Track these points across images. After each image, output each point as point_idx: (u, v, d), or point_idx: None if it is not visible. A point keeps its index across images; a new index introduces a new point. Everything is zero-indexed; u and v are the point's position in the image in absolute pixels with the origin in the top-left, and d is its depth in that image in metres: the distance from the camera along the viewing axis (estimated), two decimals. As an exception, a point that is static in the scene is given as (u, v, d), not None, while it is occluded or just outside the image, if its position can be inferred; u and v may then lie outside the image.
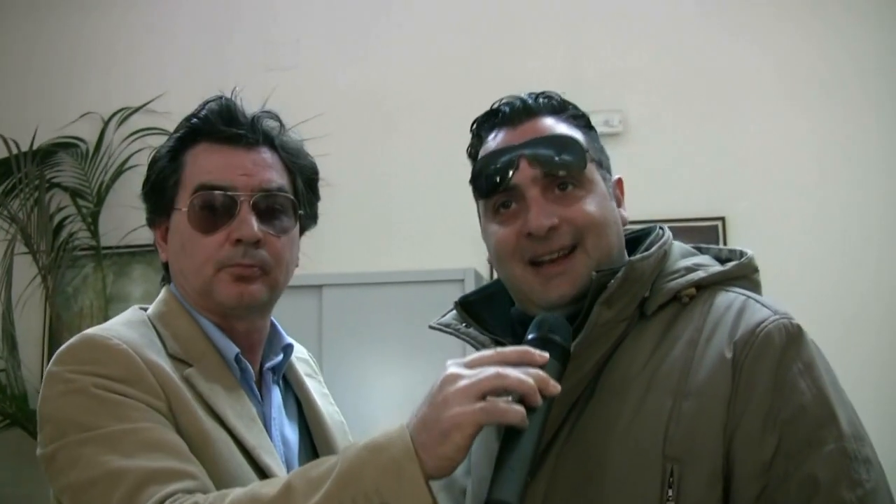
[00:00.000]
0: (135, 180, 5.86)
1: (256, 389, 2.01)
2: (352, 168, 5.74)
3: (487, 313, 1.97)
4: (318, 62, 6.08)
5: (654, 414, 1.64)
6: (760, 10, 5.57)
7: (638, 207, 5.47)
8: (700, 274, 1.79)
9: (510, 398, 1.44)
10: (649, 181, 5.59)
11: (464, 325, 1.97)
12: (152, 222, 2.05)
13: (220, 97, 2.07)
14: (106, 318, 5.76)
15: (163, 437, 1.73)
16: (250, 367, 1.99)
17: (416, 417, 1.47)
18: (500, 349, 1.52)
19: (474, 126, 1.96)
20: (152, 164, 2.04)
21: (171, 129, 5.75)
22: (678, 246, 1.90)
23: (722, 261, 1.87)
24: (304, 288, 5.09)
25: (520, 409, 1.43)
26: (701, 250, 1.93)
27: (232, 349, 1.96)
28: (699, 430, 1.60)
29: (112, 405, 1.73)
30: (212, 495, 1.60)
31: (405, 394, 5.03)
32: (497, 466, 1.46)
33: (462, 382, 1.43)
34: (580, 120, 1.91)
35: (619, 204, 1.91)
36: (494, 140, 1.87)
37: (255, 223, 1.92)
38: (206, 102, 2.05)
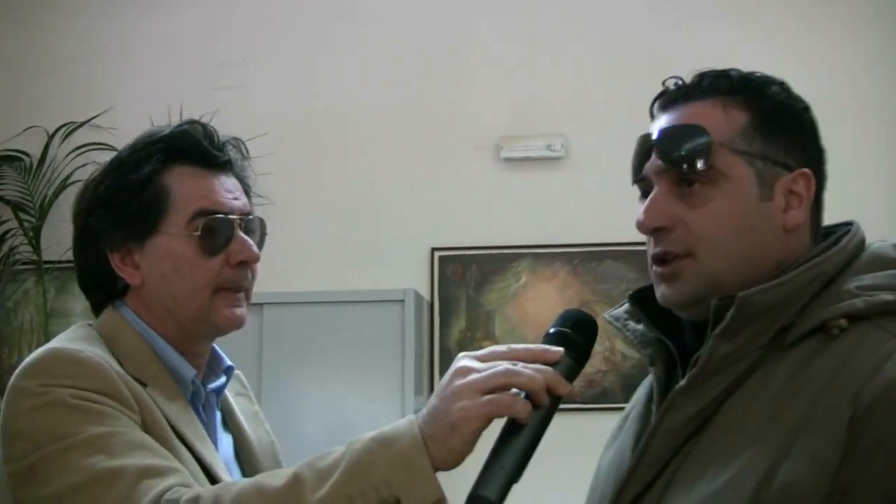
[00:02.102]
0: (78, 195, 5.87)
1: (202, 411, 2.00)
2: (295, 187, 5.72)
3: (660, 310, 1.71)
4: (264, 82, 6.08)
5: (748, 471, 1.43)
6: (706, 40, 5.67)
7: (579, 231, 5.59)
8: (857, 303, 1.48)
9: (520, 393, 1.43)
10: (591, 205, 5.65)
11: (633, 320, 1.77)
12: (113, 245, 1.95)
13: (193, 120, 2.04)
14: (47, 334, 5.77)
15: (145, 438, 1.71)
16: (202, 389, 1.99)
17: (425, 409, 1.47)
18: (513, 346, 1.49)
19: (650, 107, 1.74)
20: (118, 189, 1.95)
21: (117, 144, 5.74)
22: (872, 252, 1.59)
23: None
24: (245, 306, 5.05)
25: (527, 403, 1.43)
26: None
27: (189, 371, 1.94)
28: (796, 497, 1.37)
29: (90, 413, 1.69)
30: (215, 487, 1.59)
31: (345, 413, 5.05)
32: (488, 461, 1.44)
33: (472, 376, 1.43)
34: (758, 101, 1.63)
35: (799, 204, 1.61)
36: (653, 123, 1.69)
37: (254, 245, 1.95)
38: (181, 125, 2.01)
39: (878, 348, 1.42)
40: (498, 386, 1.42)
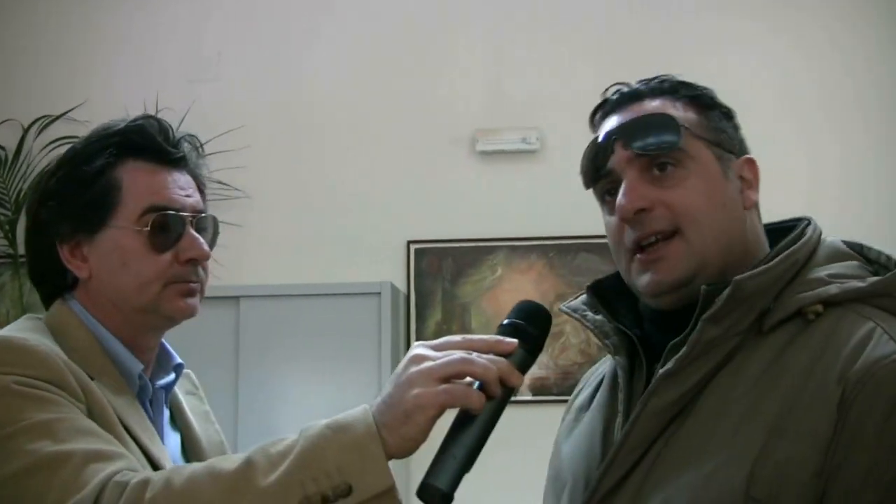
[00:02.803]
0: (54, 189, 5.85)
1: (149, 407, 1.99)
2: (271, 180, 5.76)
3: (620, 300, 1.81)
4: (239, 75, 6.08)
5: (744, 448, 1.48)
6: (681, 36, 5.66)
7: (554, 224, 5.61)
8: (831, 289, 1.57)
9: (474, 383, 1.44)
10: (566, 198, 5.64)
11: (592, 311, 1.84)
12: (63, 237, 1.95)
13: (148, 115, 2.04)
14: (23, 327, 5.73)
15: (91, 425, 1.69)
16: (149, 385, 1.98)
17: (379, 397, 1.47)
18: (468, 336, 1.50)
19: (590, 119, 1.83)
20: (68, 179, 1.97)
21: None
22: (828, 246, 1.68)
23: (879, 269, 1.65)
24: (221, 299, 5.04)
25: (480, 394, 1.43)
26: (863, 250, 1.69)
27: (137, 365, 1.94)
28: (790, 474, 1.44)
29: (36, 400, 1.67)
30: (164, 471, 1.56)
31: (322, 406, 5.05)
32: (440, 451, 1.45)
33: (427, 364, 1.44)
34: (696, 100, 1.73)
35: (750, 186, 1.72)
36: (600, 129, 1.76)
37: (204, 243, 1.96)
38: (136, 119, 2.01)
39: (857, 330, 1.51)
40: (452, 374, 1.43)
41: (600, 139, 1.72)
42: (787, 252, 1.62)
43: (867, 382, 1.44)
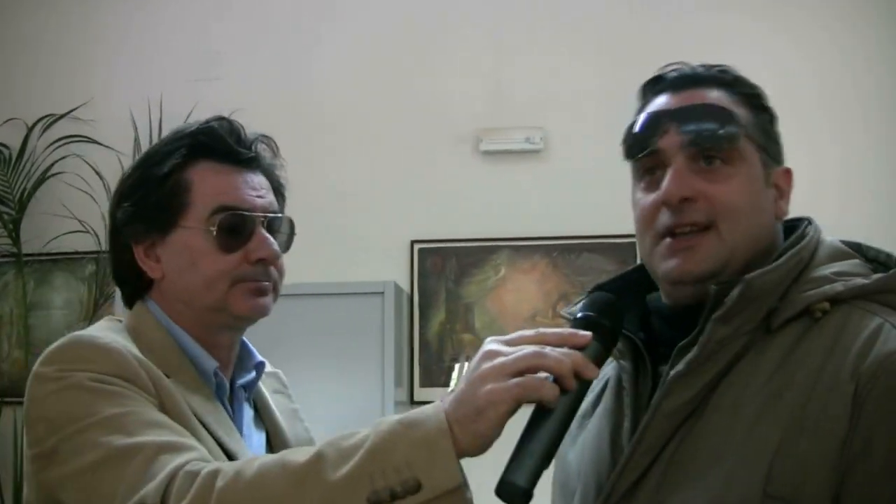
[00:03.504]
0: (58, 187, 5.85)
1: (228, 405, 2.02)
2: (275, 179, 5.70)
3: (622, 303, 1.75)
4: (242, 74, 6.07)
5: (760, 446, 1.49)
6: (682, 35, 5.68)
7: (558, 223, 5.61)
8: (837, 287, 1.59)
9: (548, 377, 1.43)
10: (570, 198, 5.66)
11: None
12: (137, 238, 2.00)
13: (220, 117, 2.07)
14: (26, 326, 5.77)
15: (163, 418, 1.73)
16: (226, 383, 2.01)
17: (453, 393, 1.46)
18: (541, 329, 1.50)
19: (640, 90, 1.81)
20: (142, 181, 2.01)
21: (96, 136, 5.71)
22: (828, 245, 1.70)
23: (878, 266, 1.68)
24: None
25: (554, 387, 1.43)
26: (861, 249, 1.72)
27: (211, 363, 1.97)
28: (807, 470, 1.45)
29: (108, 395, 1.72)
30: (236, 462, 1.60)
31: (325, 405, 5.04)
32: (517, 448, 1.45)
33: (499, 359, 1.43)
34: (752, 99, 1.73)
35: (783, 197, 1.73)
36: (653, 104, 1.73)
37: (274, 243, 1.97)
38: (208, 121, 2.04)
39: (866, 326, 1.53)
40: (525, 368, 1.42)
41: (653, 117, 1.70)
42: (792, 251, 1.63)
43: (880, 376, 1.45)
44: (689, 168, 1.63)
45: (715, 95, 1.70)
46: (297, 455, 1.50)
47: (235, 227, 1.95)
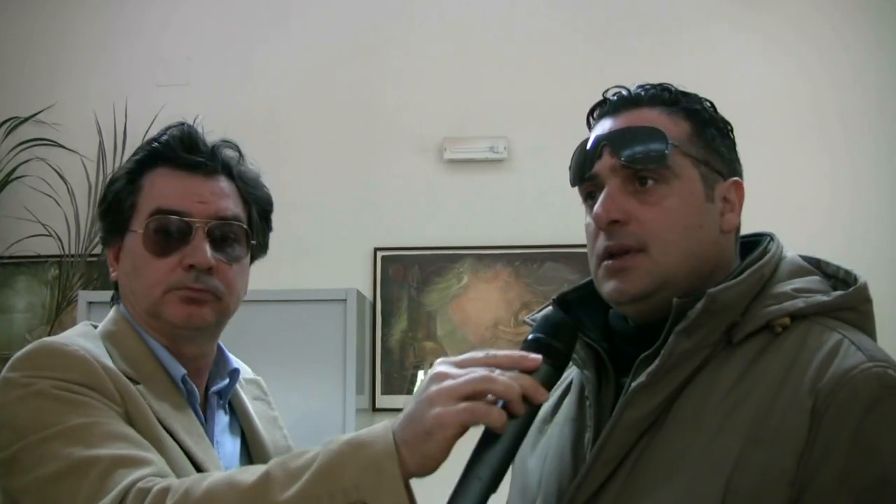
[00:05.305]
0: (22, 191, 5.82)
1: (201, 412, 2.02)
2: (240, 185, 5.69)
3: (585, 313, 1.80)
4: (208, 80, 6.07)
5: (720, 458, 1.50)
6: (651, 47, 5.73)
7: (521, 232, 5.63)
8: (798, 303, 1.61)
9: (497, 401, 1.42)
10: (533, 207, 5.68)
11: None
12: (107, 242, 2.06)
13: (182, 123, 2.08)
14: (-11, 330, 5.68)
15: (124, 429, 1.74)
16: (196, 390, 2.01)
17: (402, 414, 1.46)
18: (491, 351, 1.49)
19: (588, 114, 1.83)
20: (110, 184, 2.06)
21: (61, 140, 5.72)
22: (789, 262, 1.72)
23: (837, 283, 1.70)
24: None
25: (502, 413, 1.41)
26: (820, 265, 1.74)
27: (179, 370, 1.97)
28: (766, 482, 1.46)
29: (72, 404, 1.73)
30: (187, 479, 1.59)
31: (287, 413, 5.01)
32: (465, 472, 1.44)
33: (448, 382, 1.42)
34: (694, 114, 1.74)
35: (732, 209, 1.73)
36: (595, 128, 1.76)
37: (208, 250, 1.96)
38: (168, 128, 2.06)
39: (825, 342, 1.55)
40: (473, 392, 1.41)
41: (590, 142, 1.73)
42: (754, 267, 1.65)
43: (838, 392, 1.47)
44: (622, 190, 1.66)
45: (650, 116, 1.72)
46: (245, 475, 1.50)
47: (167, 231, 1.96)
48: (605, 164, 1.68)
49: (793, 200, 5.29)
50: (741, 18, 5.81)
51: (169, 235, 1.96)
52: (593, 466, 1.61)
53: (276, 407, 2.30)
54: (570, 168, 1.78)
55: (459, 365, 1.47)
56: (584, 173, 1.72)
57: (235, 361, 2.17)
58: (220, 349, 2.13)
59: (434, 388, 1.44)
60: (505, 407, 1.43)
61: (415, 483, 1.45)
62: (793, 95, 5.74)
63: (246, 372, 2.26)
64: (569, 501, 1.63)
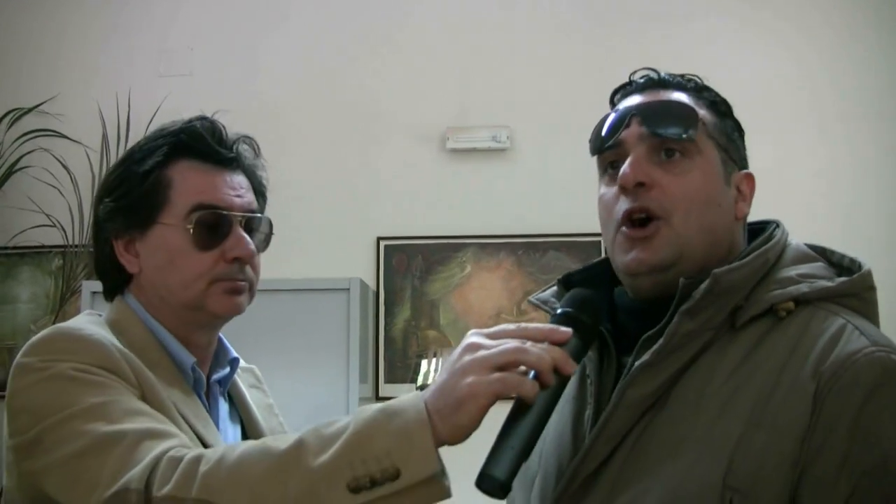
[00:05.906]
0: (25, 181, 5.83)
1: (206, 400, 2.05)
2: (242, 175, 5.68)
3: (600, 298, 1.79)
4: (211, 70, 6.08)
5: (722, 439, 1.51)
6: (651, 41, 5.73)
7: (524, 221, 5.64)
8: (802, 288, 1.62)
9: (529, 371, 1.45)
10: (536, 196, 5.69)
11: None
12: (117, 233, 2.03)
13: (203, 116, 2.10)
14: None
15: (145, 407, 1.76)
16: (203, 378, 2.04)
17: (434, 384, 1.48)
18: (523, 324, 1.51)
19: (611, 95, 1.85)
20: (127, 176, 2.04)
21: (64, 131, 5.71)
22: (795, 248, 1.73)
23: (842, 271, 1.71)
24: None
25: (535, 383, 1.44)
26: (826, 253, 1.75)
27: (189, 359, 2.00)
28: (767, 464, 1.47)
29: (90, 384, 1.74)
30: (219, 447, 1.62)
31: (290, 402, 5.03)
32: (497, 441, 1.47)
33: (481, 353, 1.45)
34: (715, 105, 1.78)
35: (744, 199, 1.76)
36: (621, 104, 1.78)
37: (250, 242, 2.01)
38: (190, 121, 2.07)
39: (829, 327, 1.56)
40: (506, 363, 1.44)
41: (621, 111, 1.74)
42: (759, 251, 1.66)
43: (841, 376, 1.48)
44: (648, 158, 1.68)
45: (677, 95, 1.75)
46: (279, 442, 1.52)
47: (212, 226, 1.99)
48: (632, 132, 1.70)
49: (790, 193, 5.29)
50: (741, 13, 5.83)
51: (211, 230, 1.98)
52: (594, 444, 1.62)
53: (273, 395, 2.32)
54: (590, 139, 1.79)
55: (492, 336, 1.49)
56: (608, 140, 1.73)
57: (234, 352, 2.18)
58: (219, 339, 2.16)
59: (468, 358, 1.46)
60: (536, 378, 1.46)
61: (443, 451, 1.46)
62: (792, 89, 5.75)
63: (241, 361, 2.27)
64: (569, 479, 1.64)
